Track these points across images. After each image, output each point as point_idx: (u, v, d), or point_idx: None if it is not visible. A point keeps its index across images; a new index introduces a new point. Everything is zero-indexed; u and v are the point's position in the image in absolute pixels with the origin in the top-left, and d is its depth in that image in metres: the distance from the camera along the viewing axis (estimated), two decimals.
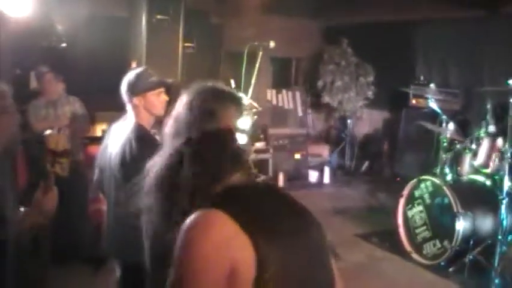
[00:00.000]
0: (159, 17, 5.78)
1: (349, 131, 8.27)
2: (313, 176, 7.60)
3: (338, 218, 6.11)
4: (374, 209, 6.46)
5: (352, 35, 8.30)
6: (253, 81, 5.32)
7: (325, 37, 8.97)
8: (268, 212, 1.52)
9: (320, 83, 8.12)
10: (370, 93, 8.06)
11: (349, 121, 8.17)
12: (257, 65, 5.38)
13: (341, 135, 8.43)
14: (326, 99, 8.15)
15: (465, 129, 5.80)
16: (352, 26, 8.44)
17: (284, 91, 8.56)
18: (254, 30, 7.03)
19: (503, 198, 4.29)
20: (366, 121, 8.49)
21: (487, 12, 6.87)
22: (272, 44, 5.25)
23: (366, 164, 8.25)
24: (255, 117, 5.22)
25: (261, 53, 5.39)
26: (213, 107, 1.65)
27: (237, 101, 1.75)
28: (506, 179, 4.45)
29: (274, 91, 8.47)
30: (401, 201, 5.02)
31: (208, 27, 7.14)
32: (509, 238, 4.38)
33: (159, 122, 2.74)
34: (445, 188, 4.61)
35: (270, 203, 1.57)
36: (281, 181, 7.14)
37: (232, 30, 7.42)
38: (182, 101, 1.67)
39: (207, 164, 1.50)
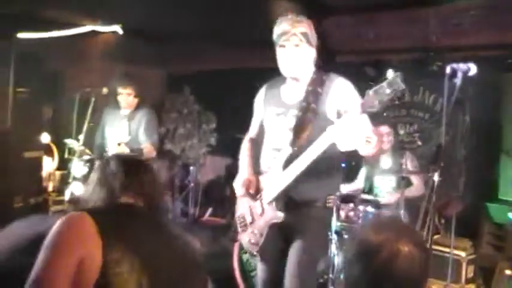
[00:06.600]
0: None
1: (193, 178, 8.28)
2: None
3: None
4: (215, 255, 6.44)
5: (194, 82, 8.43)
6: (85, 128, 5.21)
7: (167, 85, 9.04)
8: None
9: (162, 130, 8.09)
10: (212, 140, 8.19)
11: (191, 168, 8.18)
12: (89, 112, 5.28)
13: (184, 182, 8.41)
14: (168, 146, 8.16)
15: None
16: (194, 74, 8.58)
17: None
18: (95, 77, 6.90)
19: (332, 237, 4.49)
20: (209, 168, 8.57)
21: None
22: (105, 90, 5.19)
23: (210, 210, 8.29)
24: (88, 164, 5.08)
25: (93, 99, 5.31)
26: None
27: None
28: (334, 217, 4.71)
29: None
30: (236, 246, 5.08)
31: (45, 73, 6.85)
32: (341, 277, 4.55)
33: None
34: None
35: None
36: None
37: (72, 77, 7.22)
38: None
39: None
